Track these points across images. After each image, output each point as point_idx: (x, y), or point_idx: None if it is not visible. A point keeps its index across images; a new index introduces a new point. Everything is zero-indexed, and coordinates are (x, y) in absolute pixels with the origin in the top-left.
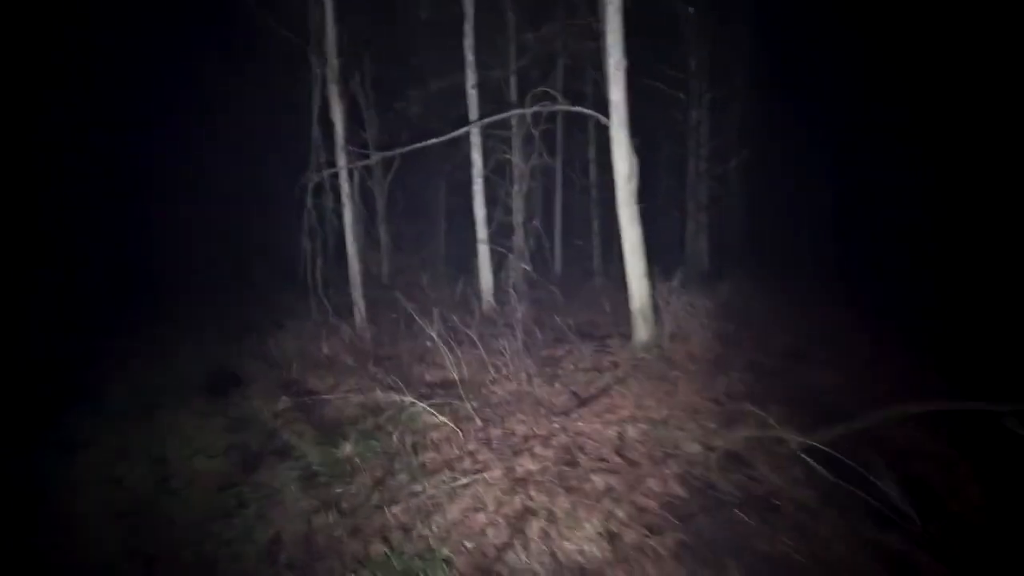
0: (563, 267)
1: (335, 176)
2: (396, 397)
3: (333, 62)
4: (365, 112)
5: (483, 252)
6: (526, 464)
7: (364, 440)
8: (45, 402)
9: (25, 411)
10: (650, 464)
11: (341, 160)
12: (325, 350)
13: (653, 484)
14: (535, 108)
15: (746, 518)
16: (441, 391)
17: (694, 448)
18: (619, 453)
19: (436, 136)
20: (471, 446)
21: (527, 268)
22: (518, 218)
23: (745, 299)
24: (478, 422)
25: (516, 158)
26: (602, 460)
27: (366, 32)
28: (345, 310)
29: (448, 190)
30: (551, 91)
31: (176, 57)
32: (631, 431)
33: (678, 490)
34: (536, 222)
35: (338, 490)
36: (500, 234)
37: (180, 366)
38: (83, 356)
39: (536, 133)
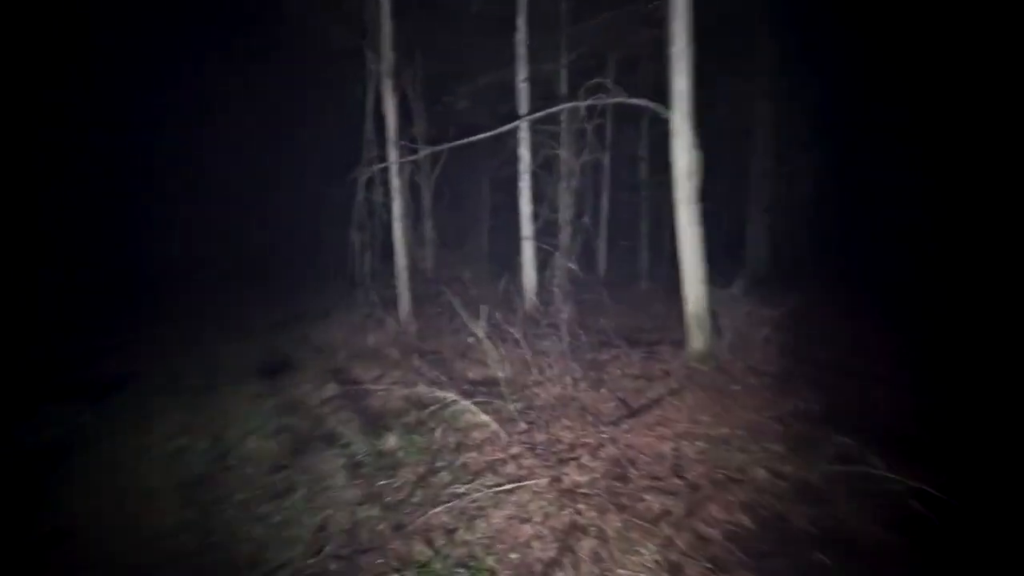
0: (608, 268)
1: (384, 171)
2: (439, 393)
3: (388, 56)
4: (413, 106)
5: (527, 249)
6: (573, 474)
7: (407, 435)
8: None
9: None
10: (711, 487)
11: (392, 155)
12: (370, 341)
13: (716, 511)
14: (589, 101)
15: (828, 562)
16: (483, 389)
17: (760, 473)
18: (675, 472)
19: (484, 131)
20: (514, 449)
21: (573, 267)
22: (565, 215)
23: (809, 308)
24: (522, 425)
25: (565, 154)
26: (656, 478)
27: (417, 27)
28: (390, 303)
29: (492, 186)
30: (605, 82)
31: (179, 57)
32: (687, 448)
33: (745, 520)
34: (586, 219)
35: (381, 482)
36: (545, 232)
37: (233, 352)
38: (124, 345)
39: (589, 127)
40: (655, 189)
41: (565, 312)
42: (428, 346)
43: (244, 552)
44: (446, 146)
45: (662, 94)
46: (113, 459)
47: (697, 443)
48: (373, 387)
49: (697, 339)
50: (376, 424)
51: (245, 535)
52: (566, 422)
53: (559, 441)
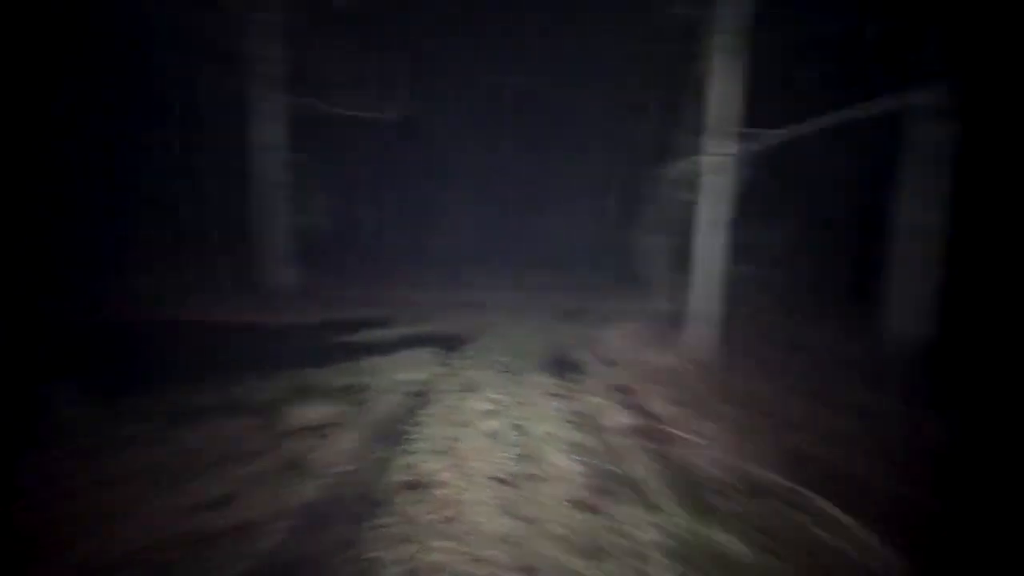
0: None
1: (697, 166)
2: (802, 493)
3: (732, 24)
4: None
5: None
6: None
7: (757, 547)
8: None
9: None
10: None
11: (714, 145)
12: (659, 361)
13: None
14: None
15: None
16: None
17: None
18: None
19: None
20: None
21: None
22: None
23: None
24: None
25: None
26: None
27: None
28: (682, 319)
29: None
30: None
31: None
32: None
33: None
34: None
35: None
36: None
37: (523, 335)
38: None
39: None
40: None
41: None
42: (738, 386)
43: None
44: (800, 129)
45: None
46: (448, 420)
47: None
48: (678, 433)
49: None
50: (693, 494)
51: None
52: None
53: None
